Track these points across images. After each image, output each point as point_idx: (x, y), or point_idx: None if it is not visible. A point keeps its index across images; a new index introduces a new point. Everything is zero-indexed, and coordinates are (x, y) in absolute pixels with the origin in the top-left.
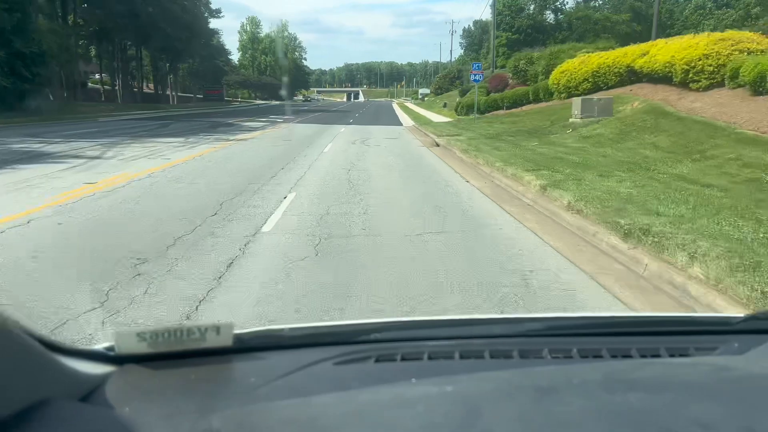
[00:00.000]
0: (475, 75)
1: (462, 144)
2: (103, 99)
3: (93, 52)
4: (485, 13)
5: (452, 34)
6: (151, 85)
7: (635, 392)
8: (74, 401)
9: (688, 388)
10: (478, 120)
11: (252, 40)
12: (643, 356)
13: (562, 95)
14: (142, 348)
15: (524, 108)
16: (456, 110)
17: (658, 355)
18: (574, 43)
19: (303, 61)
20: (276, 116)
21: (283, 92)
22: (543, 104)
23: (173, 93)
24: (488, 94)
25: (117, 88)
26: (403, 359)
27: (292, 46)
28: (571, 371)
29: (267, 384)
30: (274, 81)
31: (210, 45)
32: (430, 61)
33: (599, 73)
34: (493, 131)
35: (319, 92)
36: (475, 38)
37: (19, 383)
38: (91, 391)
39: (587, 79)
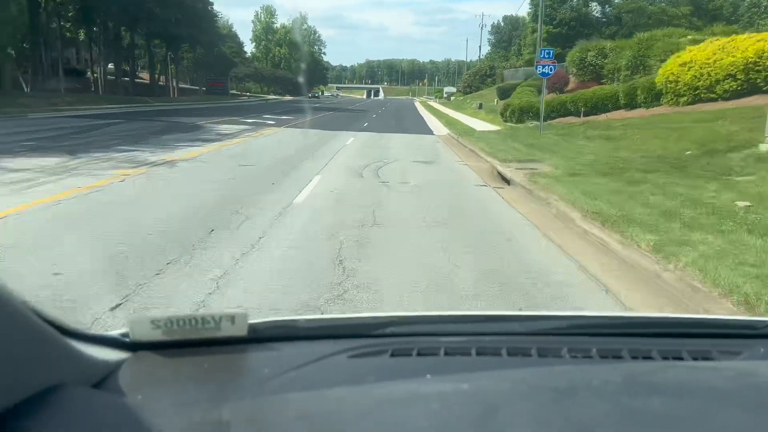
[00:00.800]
0: (543, 67)
1: (567, 190)
2: (93, 89)
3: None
4: (523, 8)
5: (482, 28)
6: (155, 76)
7: (657, 396)
8: (87, 387)
9: (712, 394)
10: (544, 131)
11: (266, 31)
12: (665, 358)
13: (683, 99)
14: (156, 335)
15: (611, 116)
16: (503, 115)
17: (680, 358)
18: (672, 28)
19: (322, 55)
20: (273, 116)
21: (300, 82)
22: (644, 111)
23: (173, 84)
24: (539, 93)
25: (98, 76)
26: (419, 354)
27: (311, 39)
28: (591, 372)
29: (280, 375)
30: (289, 75)
31: (211, 31)
32: (453, 60)
33: (759, 64)
34: (595, 157)
35: (338, 88)
36: (504, 35)
37: (32, 368)
38: (104, 377)
39: (733, 75)
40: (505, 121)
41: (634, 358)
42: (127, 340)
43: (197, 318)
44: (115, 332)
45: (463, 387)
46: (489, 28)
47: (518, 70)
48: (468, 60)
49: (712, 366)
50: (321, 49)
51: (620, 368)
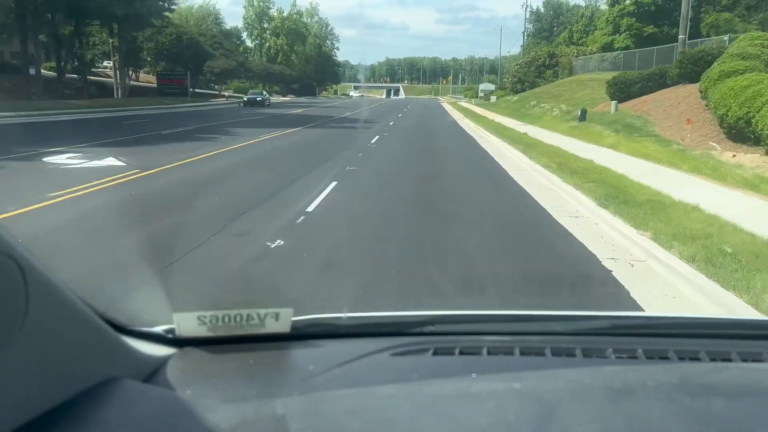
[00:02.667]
0: None
1: None
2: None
3: None
4: None
5: (526, 9)
6: (109, 71)
7: (718, 397)
8: (139, 382)
9: None
10: None
11: (260, 18)
12: (713, 360)
13: None
14: (202, 331)
15: None
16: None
17: (729, 359)
18: None
19: (335, 51)
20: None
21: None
22: None
23: (118, 80)
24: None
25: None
26: (461, 353)
27: (323, 33)
28: (643, 372)
29: (325, 372)
30: (287, 71)
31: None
32: (477, 57)
33: None
34: None
35: (356, 87)
36: (546, 23)
37: (88, 362)
38: (152, 372)
39: None
40: None
41: (681, 359)
42: (171, 336)
43: (242, 314)
44: (159, 328)
45: (515, 386)
46: (528, 15)
47: (590, 59)
48: (503, 54)
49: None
50: (334, 44)
51: (671, 369)
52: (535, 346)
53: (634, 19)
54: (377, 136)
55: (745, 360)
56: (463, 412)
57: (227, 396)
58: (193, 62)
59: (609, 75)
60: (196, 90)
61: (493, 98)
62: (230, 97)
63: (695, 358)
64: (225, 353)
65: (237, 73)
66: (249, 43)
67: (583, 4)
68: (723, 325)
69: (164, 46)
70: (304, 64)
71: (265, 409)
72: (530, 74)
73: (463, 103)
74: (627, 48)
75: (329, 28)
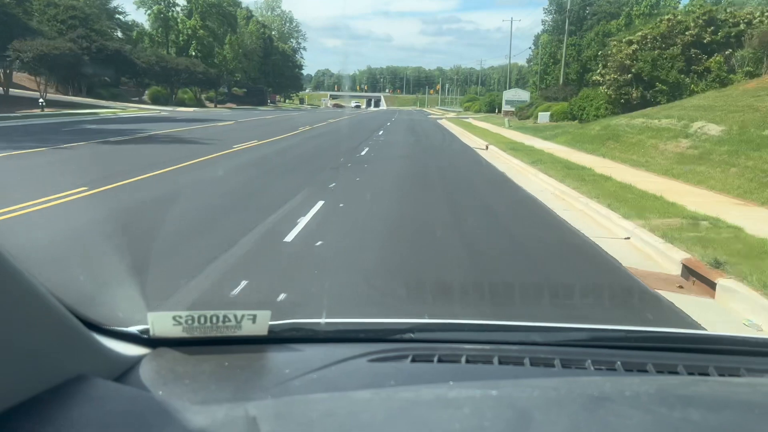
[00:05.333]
0: None
1: None
2: None
3: None
4: None
5: None
6: None
7: (695, 409)
8: (108, 381)
9: (750, 408)
10: None
11: None
12: (691, 373)
13: None
14: (177, 332)
15: None
16: None
17: (706, 374)
18: None
19: (301, 51)
20: None
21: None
22: None
23: None
24: None
25: None
26: (440, 361)
27: (286, 30)
28: (621, 383)
29: (301, 376)
30: (199, 67)
31: None
32: (464, 66)
33: None
34: None
35: (333, 96)
36: (573, 14)
37: (57, 358)
38: (124, 371)
39: None
40: None
41: (660, 372)
42: (146, 336)
43: (218, 315)
44: (134, 328)
45: (492, 393)
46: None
47: None
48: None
49: (745, 382)
50: (300, 44)
51: (650, 381)
52: (514, 355)
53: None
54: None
55: (722, 375)
56: (438, 417)
57: (199, 398)
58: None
59: None
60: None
61: (542, 117)
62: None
63: (673, 372)
64: (200, 354)
65: (100, 63)
66: (148, 25)
67: None
68: (701, 340)
69: None
70: (244, 62)
71: (237, 411)
72: (664, 65)
73: (474, 122)
74: None
75: (294, 24)
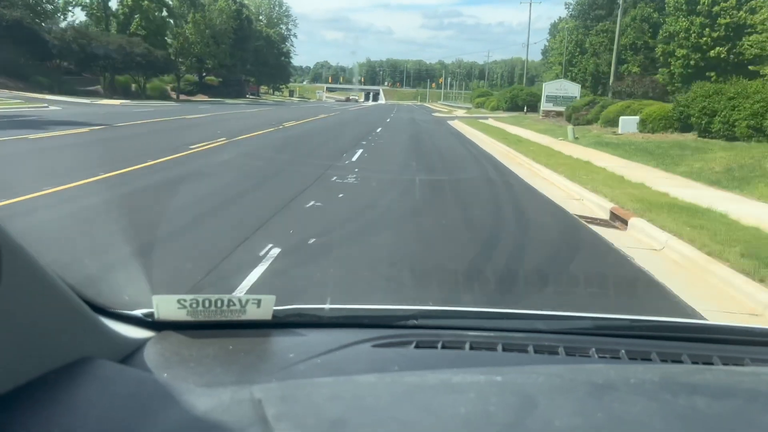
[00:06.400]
0: None
1: None
2: None
3: None
4: None
5: None
6: None
7: (699, 396)
8: (114, 362)
9: (755, 397)
10: None
11: None
12: (695, 363)
13: None
14: (181, 315)
15: None
16: None
17: (710, 363)
18: None
19: (292, 39)
20: None
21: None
22: None
23: None
24: None
25: None
26: (444, 347)
27: (274, 15)
28: (625, 371)
29: (305, 360)
30: (138, 47)
31: None
32: (465, 60)
33: None
34: None
35: (329, 89)
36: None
37: (63, 339)
38: (129, 354)
39: None
40: None
41: (664, 361)
42: (150, 319)
43: (223, 299)
44: (139, 311)
45: (497, 379)
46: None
47: None
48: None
49: (750, 371)
50: (290, 30)
51: (654, 369)
52: (518, 343)
53: None
54: None
55: (726, 364)
56: (443, 401)
57: (204, 380)
58: None
59: None
60: None
61: (626, 124)
62: None
63: (677, 361)
64: (204, 338)
65: None
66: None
67: None
68: (705, 330)
69: None
70: (212, 46)
71: (242, 394)
72: None
73: (515, 130)
74: None
75: (284, 9)
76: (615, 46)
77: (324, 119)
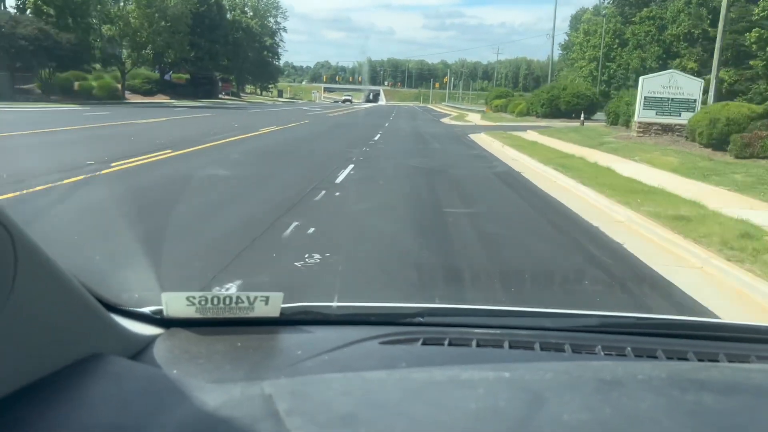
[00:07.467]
0: None
1: None
2: None
3: None
4: None
5: None
6: None
7: (707, 392)
8: (125, 359)
9: (763, 393)
10: None
11: None
12: (701, 360)
13: None
14: (190, 312)
15: None
16: None
17: (716, 360)
18: None
19: (281, 33)
20: None
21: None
22: None
23: None
24: None
25: None
26: (450, 344)
27: (263, 6)
28: (633, 367)
29: (313, 357)
30: (42, 32)
31: None
32: (468, 60)
33: None
34: None
35: (328, 89)
36: None
37: (75, 336)
38: (139, 351)
39: None
40: None
41: (670, 358)
42: (159, 317)
43: (231, 297)
44: (147, 308)
45: (505, 375)
46: None
47: None
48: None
49: (757, 368)
50: (279, 24)
51: (660, 366)
52: (525, 340)
53: None
54: None
55: (732, 361)
56: (453, 397)
57: (214, 377)
58: None
59: None
60: None
61: None
62: None
63: (683, 358)
64: (212, 335)
65: None
66: None
67: None
68: (711, 328)
69: None
70: (165, 35)
71: (252, 390)
72: None
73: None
74: None
75: (272, 1)
76: (720, 22)
77: (298, 128)
